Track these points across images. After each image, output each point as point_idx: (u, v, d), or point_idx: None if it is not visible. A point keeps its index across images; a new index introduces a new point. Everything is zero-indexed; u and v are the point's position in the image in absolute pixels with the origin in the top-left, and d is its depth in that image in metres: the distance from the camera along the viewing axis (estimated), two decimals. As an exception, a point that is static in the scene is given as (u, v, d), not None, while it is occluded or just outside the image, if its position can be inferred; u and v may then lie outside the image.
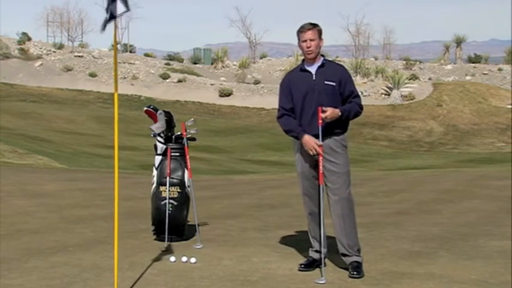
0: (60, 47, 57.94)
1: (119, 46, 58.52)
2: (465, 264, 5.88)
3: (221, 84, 48.53)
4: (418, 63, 63.73)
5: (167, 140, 7.03)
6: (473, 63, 62.91)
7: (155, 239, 6.97)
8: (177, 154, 6.97)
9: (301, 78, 5.58)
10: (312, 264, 5.68)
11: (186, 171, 6.96)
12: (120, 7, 4.48)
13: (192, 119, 7.32)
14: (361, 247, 5.66)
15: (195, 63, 59.98)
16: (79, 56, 52.86)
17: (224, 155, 28.71)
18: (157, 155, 7.00)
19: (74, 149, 26.07)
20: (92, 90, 46.00)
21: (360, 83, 46.85)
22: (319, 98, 5.44)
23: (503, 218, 8.71)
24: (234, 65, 59.48)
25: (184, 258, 5.97)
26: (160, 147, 6.98)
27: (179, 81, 48.55)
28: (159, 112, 7.02)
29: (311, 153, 5.41)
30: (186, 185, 6.96)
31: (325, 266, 5.56)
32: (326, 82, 5.48)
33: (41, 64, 50.71)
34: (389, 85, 45.46)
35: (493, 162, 25.43)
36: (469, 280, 5.37)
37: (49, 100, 41.87)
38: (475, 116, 41.13)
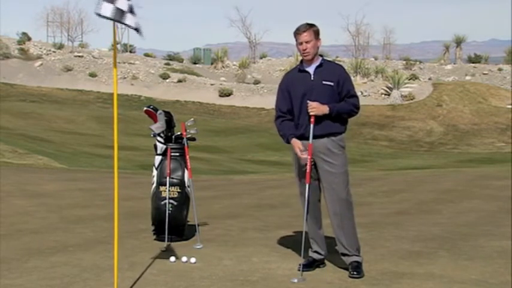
0: (60, 47, 57.98)
1: (118, 46, 58.53)
2: (465, 264, 5.88)
3: (221, 84, 48.53)
4: (418, 63, 63.75)
5: (167, 140, 7.03)
6: (473, 63, 62.93)
7: (155, 239, 6.97)
8: (177, 154, 6.98)
9: (300, 79, 5.58)
10: (312, 264, 5.69)
11: (186, 171, 6.96)
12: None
13: (192, 119, 7.32)
14: (360, 247, 5.66)
15: (195, 63, 60.00)
16: (79, 56, 52.87)
17: (224, 155, 28.71)
18: (157, 155, 7.00)
19: (74, 149, 26.07)
20: (92, 90, 46.01)
21: (359, 83, 46.87)
22: (318, 98, 5.43)
23: (503, 218, 8.70)
24: (234, 65, 59.51)
25: (184, 258, 5.97)
26: (160, 147, 6.98)
27: (179, 81, 48.55)
28: (159, 112, 7.02)
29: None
30: (186, 185, 6.96)
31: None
32: (324, 82, 5.48)
33: (41, 64, 50.72)
34: (389, 85, 45.44)
35: (493, 162, 25.42)
36: (469, 280, 5.37)
37: (49, 100, 41.87)
38: (475, 116, 41.12)
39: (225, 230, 7.67)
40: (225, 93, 45.72)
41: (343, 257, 5.60)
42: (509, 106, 42.17)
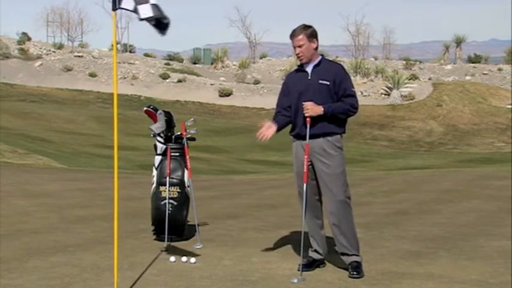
0: (60, 47, 57.97)
1: (118, 46, 58.53)
2: (465, 264, 5.87)
3: (221, 84, 48.52)
4: (418, 63, 63.75)
5: (167, 140, 7.03)
6: (473, 63, 62.93)
7: (155, 239, 6.97)
8: (177, 154, 6.97)
9: (298, 78, 5.62)
10: (312, 264, 5.69)
11: (186, 171, 6.96)
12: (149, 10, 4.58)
13: (192, 119, 7.32)
14: (359, 246, 5.66)
15: (194, 63, 59.99)
16: (79, 56, 52.86)
17: (224, 155, 28.71)
18: (157, 155, 7.00)
19: (73, 149, 26.07)
20: (92, 90, 46.00)
21: (359, 83, 46.85)
22: (313, 97, 5.44)
23: (503, 218, 8.70)
24: (234, 65, 59.50)
25: (184, 258, 5.97)
26: (160, 147, 6.97)
27: (179, 81, 48.54)
28: (158, 112, 7.02)
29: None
30: (186, 185, 6.96)
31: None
32: (320, 81, 5.49)
33: (41, 64, 50.71)
34: (389, 85, 45.44)
35: (493, 162, 25.41)
36: (469, 280, 5.36)
37: (49, 100, 41.86)
38: (475, 116, 41.12)
39: (225, 230, 7.67)
40: (225, 93, 45.71)
41: (342, 257, 5.60)
42: (509, 106, 42.17)
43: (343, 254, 5.57)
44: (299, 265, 5.62)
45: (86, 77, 48.82)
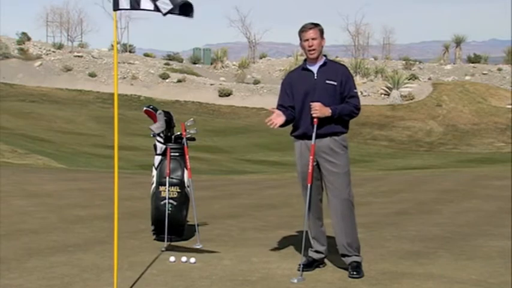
0: (60, 47, 57.97)
1: (118, 46, 58.51)
2: (465, 264, 5.87)
3: (221, 84, 48.53)
4: (417, 63, 63.77)
5: (167, 140, 7.03)
6: (472, 63, 62.95)
7: (155, 239, 6.97)
8: (177, 154, 6.97)
9: (303, 77, 5.58)
10: (311, 264, 5.68)
11: (185, 171, 6.96)
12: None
13: (192, 119, 7.32)
14: (360, 246, 5.65)
15: (194, 63, 59.99)
16: (78, 56, 52.86)
17: (224, 155, 28.72)
18: (157, 155, 7.00)
19: (73, 149, 26.08)
20: (92, 90, 46.01)
21: (359, 83, 46.83)
22: (320, 97, 5.43)
23: (503, 218, 8.70)
24: (234, 65, 59.51)
25: (184, 258, 5.97)
26: (160, 147, 6.97)
27: (179, 81, 48.55)
28: (158, 112, 7.02)
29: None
30: (186, 185, 6.96)
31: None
32: (327, 81, 5.48)
33: (41, 64, 50.70)
34: (389, 85, 45.44)
35: (493, 162, 25.42)
36: (469, 280, 5.36)
37: (49, 100, 41.87)
38: (475, 116, 41.15)
39: (225, 230, 7.66)
40: (225, 93, 45.72)
41: (343, 258, 5.59)
42: (509, 106, 42.19)
43: (344, 255, 5.56)
44: (299, 265, 5.61)
45: (86, 77, 48.81)
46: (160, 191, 6.92)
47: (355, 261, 5.52)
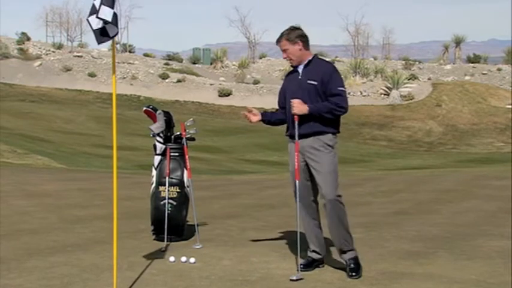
0: (59, 47, 57.94)
1: (118, 46, 58.49)
2: (465, 264, 5.87)
3: (220, 84, 48.52)
4: (417, 63, 63.76)
5: (166, 140, 7.03)
6: (472, 63, 62.95)
7: (154, 239, 6.97)
8: (177, 154, 6.97)
9: (292, 78, 5.71)
10: (311, 264, 5.69)
11: (185, 171, 6.96)
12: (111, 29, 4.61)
13: (192, 119, 7.32)
14: (353, 241, 5.62)
15: (194, 63, 59.97)
16: (78, 56, 52.85)
17: (224, 155, 28.72)
18: (157, 155, 7.00)
19: (73, 149, 26.08)
20: (91, 90, 46.00)
21: (359, 83, 46.87)
22: (303, 96, 5.49)
23: (503, 218, 8.70)
24: (234, 65, 59.48)
25: (183, 258, 5.97)
26: (160, 147, 6.97)
27: (178, 81, 48.54)
28: (158, 112, 7.02)
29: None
30: (186, 185, 6.96)
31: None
32: (309, 81, 5.53)
33: (40, 64, 50.69)
34: (389, 85, 45.45)
35: (493, 162, 25.43)
36: (469, 280, 5.36)
37: (48, 100, 41.86)
38: (474, 116, 41.16)
39: (224, 230, 7.66)
40: (225, 93, 45.71)
41: (340, 256, 5.62)
42: (509, 106, 42.20)
43: (342, 251, 5.58)
44: (299, 265, 5.61)
45: (85, 77, 48.80)
46: (160, 191, 6.92)
47: (353, 259, 5.51)
